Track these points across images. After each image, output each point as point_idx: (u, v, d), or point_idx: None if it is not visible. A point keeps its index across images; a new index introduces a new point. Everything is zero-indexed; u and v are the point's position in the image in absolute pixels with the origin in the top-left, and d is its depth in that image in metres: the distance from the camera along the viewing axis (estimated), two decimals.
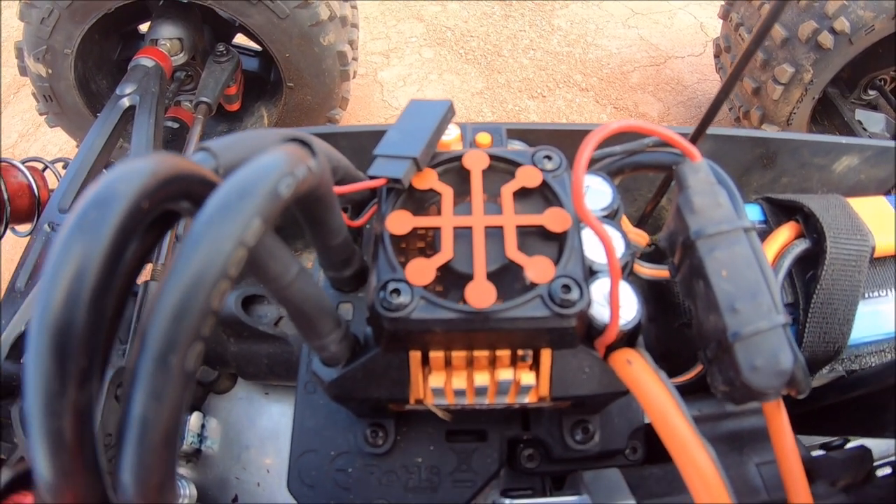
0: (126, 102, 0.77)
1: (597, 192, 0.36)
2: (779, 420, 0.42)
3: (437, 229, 0.31)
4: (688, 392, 0.52)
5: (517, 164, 0.33)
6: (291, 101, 1.15)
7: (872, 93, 1.28)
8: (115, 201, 0.16)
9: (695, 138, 0.40)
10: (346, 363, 0.32)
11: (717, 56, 1.36)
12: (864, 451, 0.41)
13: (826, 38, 1.02)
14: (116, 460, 0.16)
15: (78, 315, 0.15)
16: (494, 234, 0.30)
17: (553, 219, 0.30)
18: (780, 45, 1.08)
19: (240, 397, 0.65)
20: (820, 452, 0.53)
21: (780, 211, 0.54)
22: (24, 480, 0.19)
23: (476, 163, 0.33)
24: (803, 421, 0.54)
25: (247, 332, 0.50)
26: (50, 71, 1.00)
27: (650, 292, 0.59)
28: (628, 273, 0.33)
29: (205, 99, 0.93)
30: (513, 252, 0.29)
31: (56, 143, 1.65)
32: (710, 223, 0.30)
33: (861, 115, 1.23)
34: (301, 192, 0.21)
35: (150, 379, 0.16)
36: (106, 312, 0.16)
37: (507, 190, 0.32)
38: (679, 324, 0.51)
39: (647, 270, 0.42)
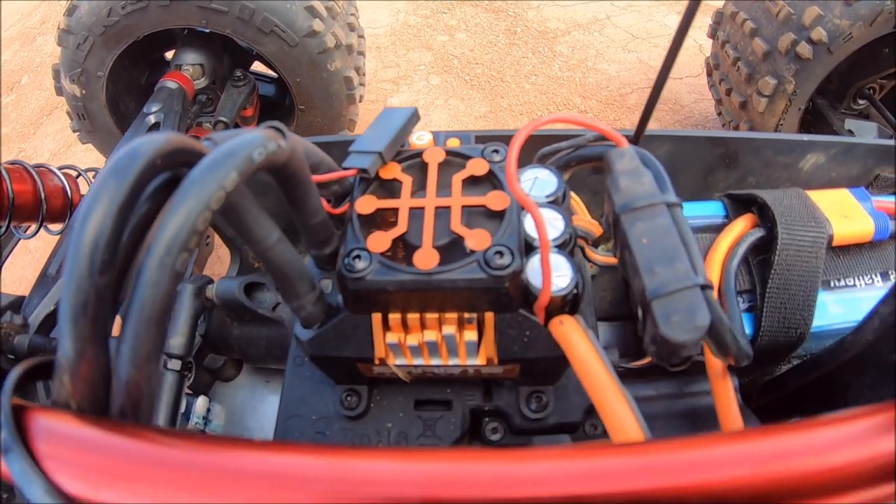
0: (152, 119, 0.86)
1: (544, 182, 0.40)
2: (723, 388, 0.45)
3: (397, 209, 0.36)
4: (649, 374, 0.55)
5: (469, 157, 0.39)
6: (303, 123, 1.23)
7: (863, 102, 1.29)
8: (139, 155, 0.23)
9: (637, 133, 0.45)
10: (320, 325, 0.37)
11: (709, 75, 1.41)
12: None
13: (804, 49, 1.04)
14: (119, 337, 0.22)
15: (107, 223, 0.22)
16: (444, 214, 0.36)
17: (494, 199, 0.36)
18: (763, 58, 1.12)
19: (243, 385, 0.71)
20: None
21: (740, 205, 0.57)
22: (38, 372, 0.25)
23: (434, 157, 0.39)
24: (770, 410, 0.57)
25: (248, 315, 0.56)
26: (84, 91, 1.10)
27: (626, 289, 0.62)
28: (569, 250, 0.38)
29: (222, 119, 1.02)
30: (457, 226, 0.34)
31: (85, 162, 1.77)
32: (634, 199, 0.33)
33: (852, 124, 1.24)
34: (272, 163, 0.27)
35: (150, 272, 0.22)
36: (125, 229, 0.23)
37: (457, 178, 0.37)
38: None
39: (599, 257, 0.47)
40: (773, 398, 0.57)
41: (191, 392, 0.68)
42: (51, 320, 0.59)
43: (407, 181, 0.38)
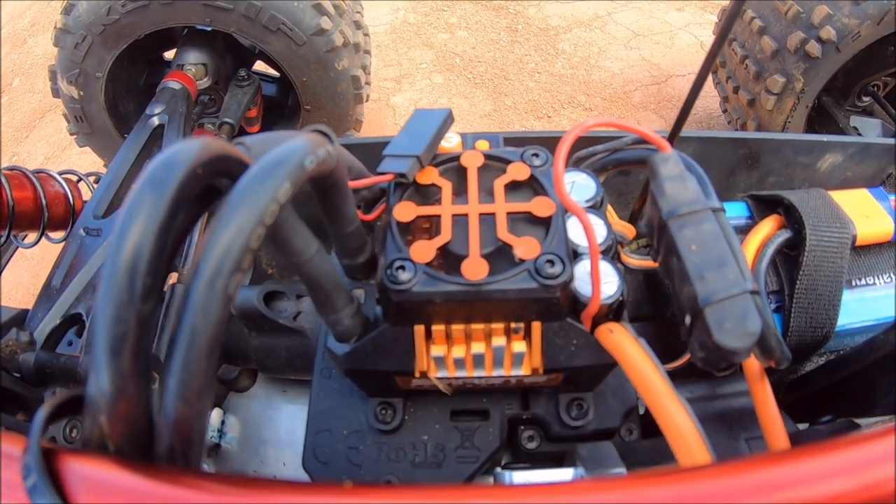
0: (156, 121, 0.83)
1: (582, 186, 0.39)
2: (762, 390, 0.44)
3: (437, 217, 0.35)
4: (681, 376, 0.55)
5: (508, 161, 0.37)
6: (308, 124, 1.21)
7: (867, 99, 1.30)
8: (178, 164, 0.20)
9: (672, 136, 0.44)
10: (357, 338, 0.35)
11: (714, 72, 1.40)
12: (851, 424, 0.43)
13: (813, 47, 1.05)
14: (165, 368, 0.19)
15: (147, 242, 0.19)
16: (488, 221, 0.34)
17: (539, 205, 0.34)
18: (771, 56, 1.12)
19: (259, 395, 0.68)
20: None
21: (764, 206, 0.57)
22: (67, 407, 0.22)
23: (472, 161, 0.37)
24: (797, 408, 0.56)
25: (268, 325, 0.54)
26: (82, 93, 1.07)
27: (647, 290, 0.62)
28: (612, 256, 0.37)
29: (228, 120, 0.99)
30: (503, 234, 0.33)
31: (80, 166, 1.72)
32: (680, 205, 0.32)
33: (857, 121, 1.26)
34: (321, 171, 0.26)
35: (200, 296, 0.20)
36: (166, 247, 0.20)
37: (500, 182, 0.36)
38: (671, 313, 0.54)
39: (634, 261, 0.46)
40: (798, 396, 0.56)
41: None
42: (56, 334, 0.56)
43: (447, 186, 0.36)
